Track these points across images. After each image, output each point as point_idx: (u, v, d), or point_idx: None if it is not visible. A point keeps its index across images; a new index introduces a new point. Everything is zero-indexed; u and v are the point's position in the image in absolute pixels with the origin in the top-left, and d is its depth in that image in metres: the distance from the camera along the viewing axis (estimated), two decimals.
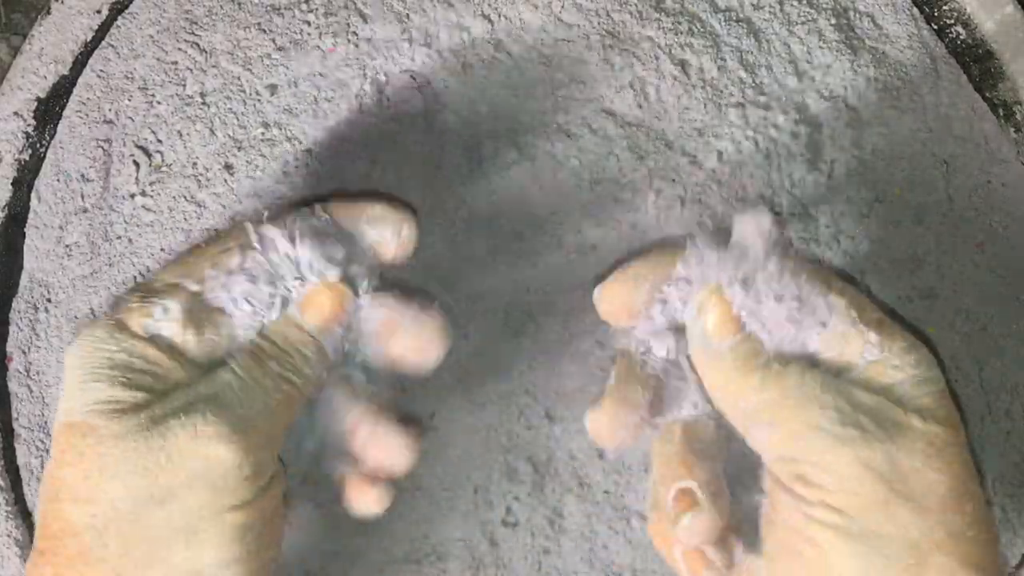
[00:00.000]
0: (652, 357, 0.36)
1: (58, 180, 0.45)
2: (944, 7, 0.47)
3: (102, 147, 0.45)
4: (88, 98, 0.46)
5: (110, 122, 0.45)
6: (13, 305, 0.45)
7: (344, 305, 0.34)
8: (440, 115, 0.43)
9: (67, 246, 0.45)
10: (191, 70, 0.45)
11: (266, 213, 0.34)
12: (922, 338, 0.34)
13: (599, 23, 0.44)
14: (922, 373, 0.32)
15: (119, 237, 0.44)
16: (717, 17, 0.45)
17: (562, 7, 0.44)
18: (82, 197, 0.45)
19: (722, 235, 0.35)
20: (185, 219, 0.43)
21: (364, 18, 0.44)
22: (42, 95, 0.46)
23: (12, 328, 0.45)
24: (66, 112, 0.46)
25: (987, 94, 0.47)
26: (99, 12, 0.47)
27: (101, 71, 0.46)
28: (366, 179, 0.42)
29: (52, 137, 0.46)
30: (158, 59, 0.45)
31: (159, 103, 0.45)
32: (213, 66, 0.45)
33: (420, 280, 0.42)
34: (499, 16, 0.44)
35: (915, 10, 0.47)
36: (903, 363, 0.32)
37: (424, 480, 0.42)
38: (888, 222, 0.44)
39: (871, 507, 0.30)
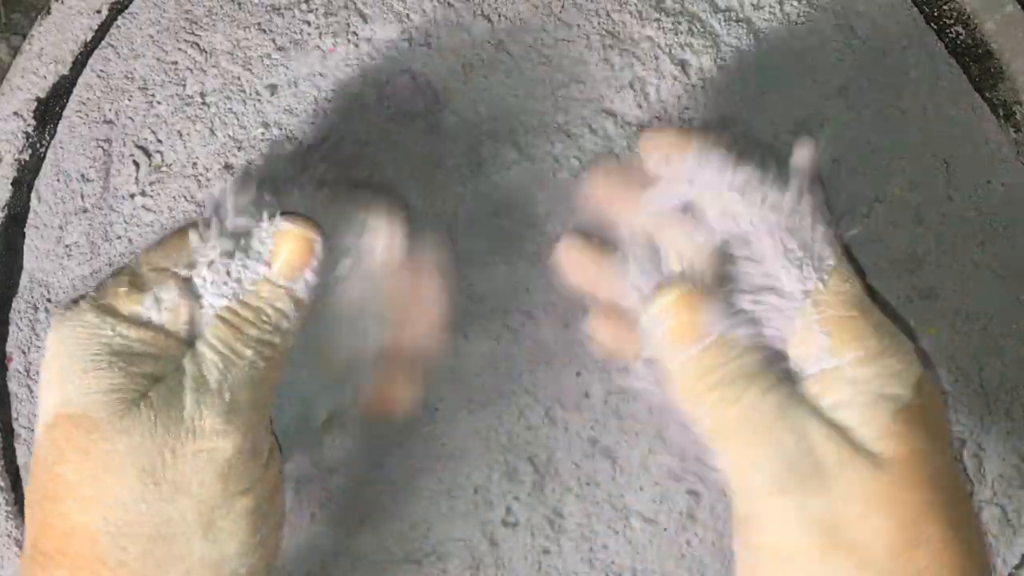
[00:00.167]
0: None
1: (58, 180, 0.45)
2: (944, 7, 0.47)
3: (102, 147, 0.45)
4: (88, 98, 0.46)
5: (110, 122, 0.45)
6: (13, 305, 0.45)
7: (313, 248, 0.33)
8: (440, 115, 0.43)
9: (67, 246, 0.45)
10: (191, 70, 0.45)
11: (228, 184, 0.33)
12: (916, 339, 0.32)
13: (599, 23, 0.44)
14: (877, 390, 0.30)
15: (119, 237, 0.44)
16: (717, 17, 0.45)
17: (562, 7, 0.44)
18: (82, 197, 0.45)
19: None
20: (185, 219, 0.43)
21: (364, 18, 0.44)
22: (42, 95, 0.46)
23: (12, 328, 0.45)
24: (66, 112, 0.46)
25: (987, 94, 0.47)
26: (99, 12, 0.47)
27: (101, 71, 0.46)
28: (366, 179, 0.42)
29: (52, 137, 0.46)
30: (158, 59, 0.45)
31: (159, 103, 0.45)
32: (213, 66, 0.45)
33: None
34: (499, 16, 0.44)
35: (915, 10, 0.47)
36: (856, 377, 0.30)
37: (424, 480, 0.42)
38: (888, 222, 0.44)
39: (810, 558, 0.29)
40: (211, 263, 0.32)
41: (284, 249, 0.32)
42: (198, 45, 0.45)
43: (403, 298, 0.36)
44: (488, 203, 0.42)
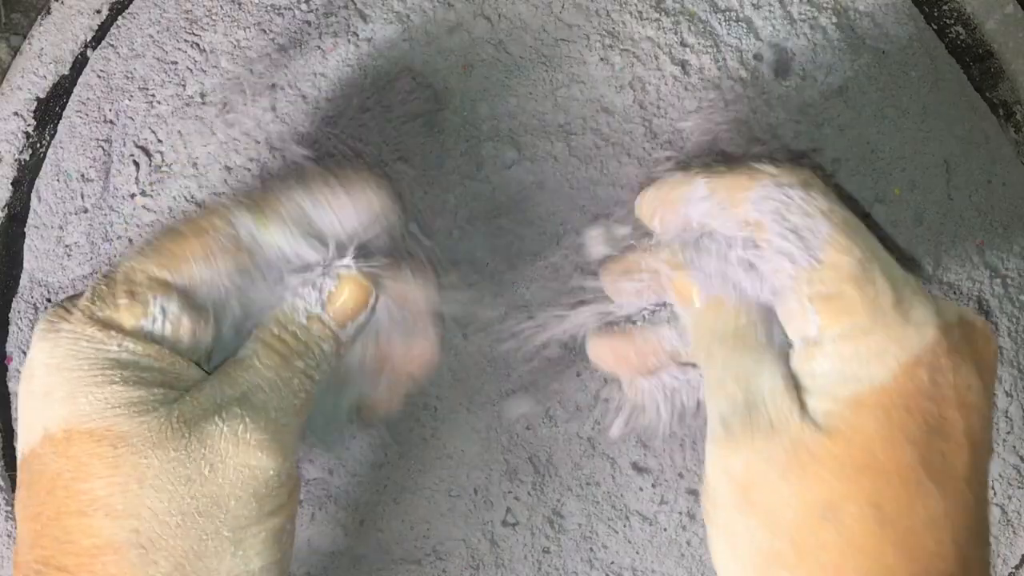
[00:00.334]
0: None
1: (58, 180, 0.45)
2: (944, 7, 0.47)
3: (102, 147, 0.45)
4: (88, 98, 0.46)
5: (110, 122, 0.45)
6: (13, 305, 0.45)
7: (369, 299, 0.34)
8: (440, 115, 0.43)
9: (67, 246, 0.45)
10: (191, 70, 0.45)
11: (243, 200, 0.33)
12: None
13: (599, 23, 0.44)
14: (850, 367, 0.29)
15: (119, 237, 0.44)
16: (717, 17, 0.45)
17: (562, 7, 0.44)
18: (82, 197, 0.45)
19: None
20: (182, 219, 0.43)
21: (364, 18, 0.44)
22: (42, 95, 0.46)
23: (12, 328, 0.45)
24: (66, 112, 0.46)
25: (987, 94, 0.47)
26: (99, 12, 0.47)
27: (101, 71, 0.46)
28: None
29: (52, 137, 0.46)
30: (158, 59, 0.45)
31: (159, 103, 0.45)
32: (213, 66, 0.45)
33: None
34: (499, 16, 0.44)
35: (915, 10, 0.47)
36: (836, 352, 0.29)
37: (424, 480, 0.42)
38: (888, 222, 0.44)
39: (727, 509, 0.30)
40: (248, 290, 0.33)
41: (346, 294, 0.33)
42: (198, 45, 0.45)
43: (400, 336, 0.37)
44: (488, 203, 0.42)
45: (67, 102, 0.46)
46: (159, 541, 0.29)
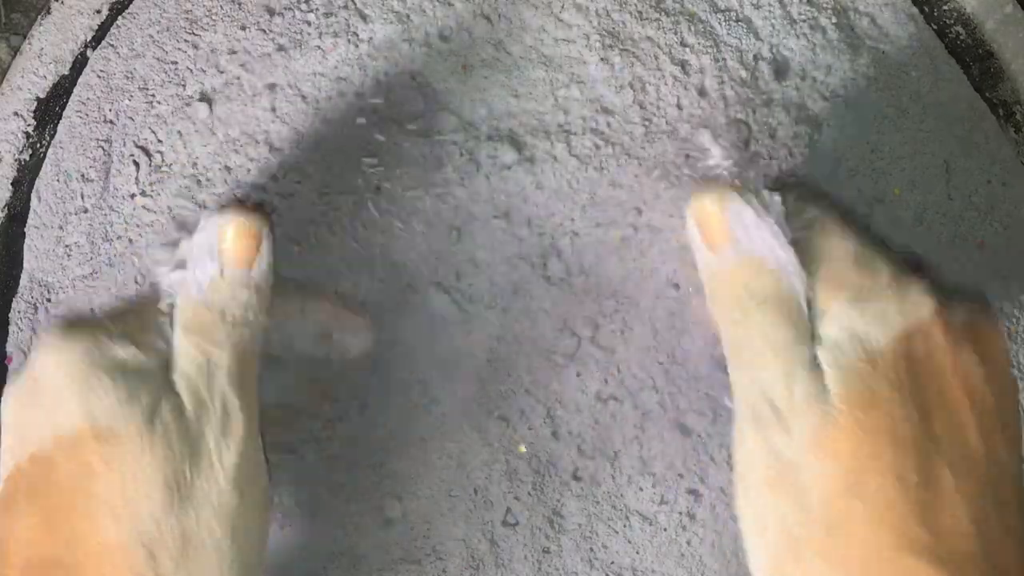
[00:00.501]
0: None
1: (58, 180, 0.45)
2: (944, 7, 0.47)
3: (102, 147, 0.45)
4: (88, 98, 0.46)
5: (110, 122, 0.45)
6: (13, 305, 0.45)
7: (259, 232, 0.34)
8: (440, 115, 0.43)
9: (67, 246, 0.45)
10: (191, 70, 0.45)
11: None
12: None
13: (599, 23, 0.44)
14: (855, 331, 0.30)
15: (119, 237, 0.44)
16: (717, 17, 0.45)
17: (562, 7, 0.44)
18: (82, 197, 0.45)
19: None
20: (183, 218, 0.43)
21: (364, 18, 0.44)
22: (42, 95, 0.46)
23: (12, 328, 0.45)
24: (66, 112, 0.46)
25: (987, 94, 0.47)
26: (99, 12, 0.47)
27: (101, 71, 0.46)
28: (366, 179, 0.42)
29: (52, 137, 0.46)
30: (158, 59, 0.45)
31: (159, 103, 0.45)
32: (213, 66, 0.45)
33: (421, 282, 0.42)
34: (499, 16, 0.44)
35: (915, 10, 0.47)
36: (842, 317, 0.30)
37: (424, 480, 0.42)
38: (888, 222, 0.44)
39: (760, 491, 0.30)
40: (173, 280, 0.34)
41: (230, 239, 0.33)
42: (198, 45, 0.45)
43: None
44: (488, 204, 0.42)
45: (67, 102, 0.46)
46: (159, 541, 0.30)
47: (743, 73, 0.44)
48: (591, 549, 0.42)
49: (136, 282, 0.43)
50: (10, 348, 0.45)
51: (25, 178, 0.46)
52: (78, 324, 0.32)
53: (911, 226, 0.44)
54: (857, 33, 0.46)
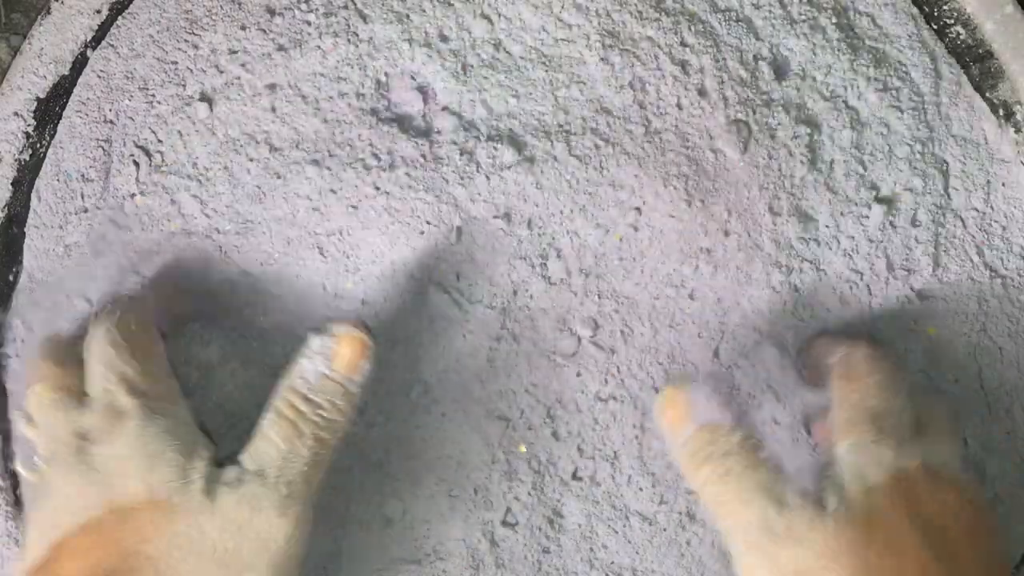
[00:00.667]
0: None
1: (58, 180, 0.45)
2: (944, 7, 0.47)
3: (102, 147, 0.45)
4: (88, 98, 0.46)
5: (110, 122, 0.45)
6: (13, 305, 0.45)
7: (367, 348, 0.37)
8: (440, 115, 0.43)
9: (67, 246, 0.45)
10: (191, 70, 0.45)
11: None
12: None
13: (599, 23, 0.44)
14: (856, 467, 0.35)
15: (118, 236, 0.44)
16: (717, 17, 0.45)
17: (562, 7, 0.44)
18: (82, 197, 0.45)
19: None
20: (193, 212, 0.43)
21: (364, 18, 0.44)
22: (42, 95, 0.46)
23: (12, 328, 0.45)
24: (66, 112, 0.46)
25: (987, 94, 0.47)
26: (99, 12, 0.47)
27: (101, 71, 0.46)
28: (365, 180, 0.42)
29: (52, 137, 0.46)
30: (158, 59, 0.45)
31: (159, 103, 0.45)
32: (213, 66, 0.45)
33: (418, 283, 0.42)
34: (499, 16, 0.44)
35: (915, 10, 0.47)
36: (846, 457, 0.36)
37: (424, 480, 0.42)
38: (888, 222, 0.44)
39: None
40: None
41: (346, 345, 0.37)
42: (198, 45, 0.45)
43: None
44: (488, 204, 0.42)
45: (67, 102, 0.46)
46: None
47: (743, 73, 0.44)
48: (591, 549, 0.42)
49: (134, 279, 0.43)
50: (9, 349, 0.45)
51: (25, 178, 0.46)
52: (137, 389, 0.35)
53: (910, 226, 0.44)
54: (857, 33, 0.46)
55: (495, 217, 0.42)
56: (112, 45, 0.46)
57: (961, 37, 0.47)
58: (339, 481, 0.42)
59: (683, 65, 0.43)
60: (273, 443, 0.35)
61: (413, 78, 0.44)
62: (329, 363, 0.36)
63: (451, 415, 0.42)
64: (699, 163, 0.43)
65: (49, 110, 0.46)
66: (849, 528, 0.34)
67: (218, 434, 0.38)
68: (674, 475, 0.42)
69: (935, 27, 0.47)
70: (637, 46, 0.44)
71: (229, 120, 0.44)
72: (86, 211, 0.45)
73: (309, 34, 0.44)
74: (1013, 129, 0.46)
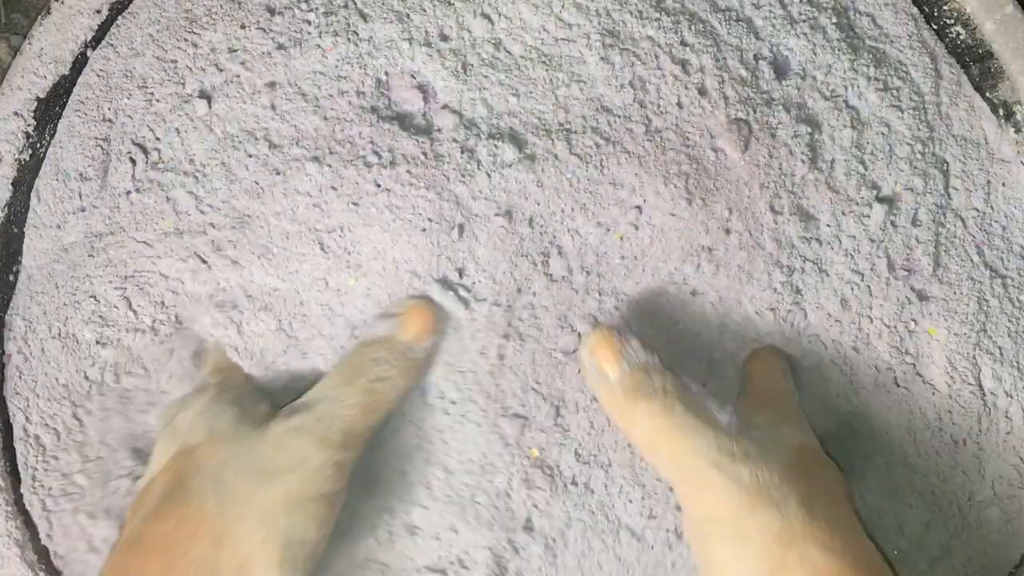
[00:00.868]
0: None
1: (57, 180, 0.45)
2: (944, 7, 0.47)
3: (101, 146, 0.45)
4: (88, 97, 0.46)
5: (109, 121, 0.45)
6: (12, 305, 0.45)
7: (432, 323, 0.41)
8: (440, 113, 0.43)
9: (67, 246, 0.45)
10: (191, 69, 0.45)
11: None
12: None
13: (599, 23, 0.44)
14: (774, 432, 0.39)
15: (114, 234, 0.44)
16: (717, 17, 0.45)
17: (562, 6, 0.44)
18: (80, 196, 0.45)
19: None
20: (187, 208, 0.43)
21: (364, 17, 0.44)
22: (42, 95, 0.46)
23: (12, 327, 0.45)
24: (66, 112, 0.46)
25: (987, 94, 0.47)
26: (99, 12, 0.47)
27: (101, 71, 0.46)
28: (366, 176, 0.42)
29: (52, 137, 0.46)
30: (157, 58, 0.45)
31: (158, 101, 0.45)
32: (213, 64, 0.45)
33: (421, 281, 0.41)
34: (499, 16, 0.44)
35: (915, 10, 0.47)
36: (760, 427, 0.39)
37: (448, 487, 0.41)
38: (888, 222, 0.44)
39: (741, 512, 0.35)
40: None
41: (414, 317, 0.41)
42: (198, 44, 0.45)
43: None
44: (489, 201, 0.42)
45: (67, 102, 0.46)
46: (251, 510, 0.36)
47: (743, 72, 0.44)
48: (588, 567, 0.42)
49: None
50: (9, 348, 0.45)
51: (25, 178, 0.46)
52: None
53: (911, 226, 0.44)
54: (857, 33, 0.46)
55: (496, 215, 0.42)
56: (112, 44, 0.46)
57: (961, 37, 0.47)
58: (365, 487, 0.41)
59: (683, 64, 0.43)
60: (330, 382, 0.39)
61: (413, 76, 0.44)
62: (398, 329, 0.40)
63: (470, 416, 0.42)
64: (700, 162, 0.43)
65: (49, 110, 0.46)
66: (788, 465, 0.36)
67: None
68: (664, 487, 0.42)
69: (935, 27, 0.47)
70: (637, 45, 0.44)
71: (228, 117, 0.44)
72: (83, 210, 0.45)
73: (309, 33, 0.44)
74: (1013, 129, 0.46)
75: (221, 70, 0.44)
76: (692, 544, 0.37)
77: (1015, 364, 0.44)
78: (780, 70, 0.45)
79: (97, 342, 0.43)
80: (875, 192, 0.44)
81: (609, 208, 0.42)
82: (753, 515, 0.35)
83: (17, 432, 0.43)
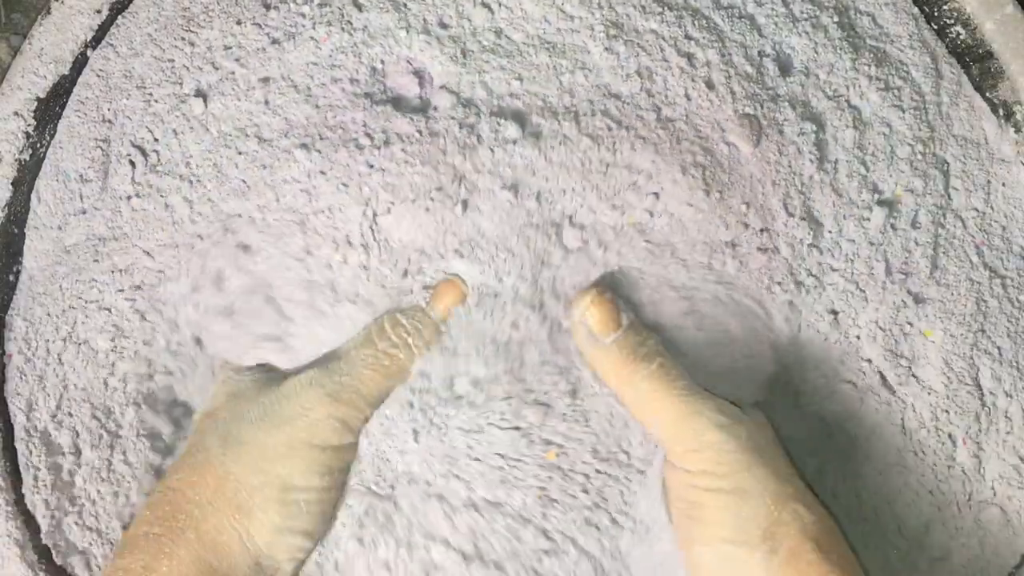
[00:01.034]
0: None
1: (57, 180, 0.45)
2: (944, 7, 0.47)
3: (100, 147, 0.45)
4: (87, 97, 0.46)
5: (108, 122, 0.45)
6: (12, 305, 0.45)
7: (462, 294, 0.41)
8: (438, 93, 0.42)
9: (67, 246, 0.45)
10: (188, 67, 0.45)
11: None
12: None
13: (602, 15, 0.43)
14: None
15: (115, 238, 0.44)
16: (719, 13, 0.44)
17: None
18: (81, 197, 0.45)
19: None
20: (182, 217, 0.43)
21: (359, 7, 0.44)
22: (42, 95, 0.46)
23: (12, 327, 0.45)
24: (66, 112, 0.46)
25: (987, 94, 0.47)
26: (99, 12, 0.47)
27: (101, 71, 0.46)
28: (357, 159, 0.41)
29: (52, 137, 0.46)
30: (156, 57, 0.45)
31: (156, 101, 0.45)
32: (209, 63, 0.44)
33: (429, 259, 0.41)
34: (499, 5, 0.44)
35: (915, 10, 0.47)
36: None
37: (473, 499, 0.40)
38: (887, 222, 0.44)
39: (739, 469, 0.37)
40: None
41: (446, 290, 0.41)
42: (195, 42, 0.45)
43: None
44: (494, 176, 0.41)
45: (67, 102, 0.46)
46: (251, 453, 0.38)
47: (749, 68, 0.44)
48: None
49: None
50: (10, 348, 0.45)
51: (25, 178, 0.46)
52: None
53: (910, 226, 0.44)
54: (858, 32, 0.46)
55: (502, 188, 0.41)
56: (111, 44, 0.46)
57: (961, 37, 0.47)
58: (390, 507, 0.41)
59: (689, 57, 0.43)
60: (350, 344, 0.41)
61: (409, 63, 0.43)
62: (428, 301, 0.41)
63: (493, 398, 0.40)
64: (714, 154, 0.42)
65: (49, 110, 0.46)
66: (771, 434, 0.40)
67: None
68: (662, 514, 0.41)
69: (935, 27, 0.47)
70: (641, 37, 0.43)
71: (223, 116, 0.43)
72: (84, 212, 0.45)
73: (303, 25, 0.44)
74: (1013, 129, 0.46)
75: (217, 68, 0.44)
76: (677, 495, 0.39)
77: (1015, 364, 0.44)
78: (784, 67, 0.45)
79: (112, 351, 0.43)
80: (876, 195, 0.44)
81: (623, 192, 0.41)
82: (751, 472, 0.37)
83: (18, 432, 0.43)
